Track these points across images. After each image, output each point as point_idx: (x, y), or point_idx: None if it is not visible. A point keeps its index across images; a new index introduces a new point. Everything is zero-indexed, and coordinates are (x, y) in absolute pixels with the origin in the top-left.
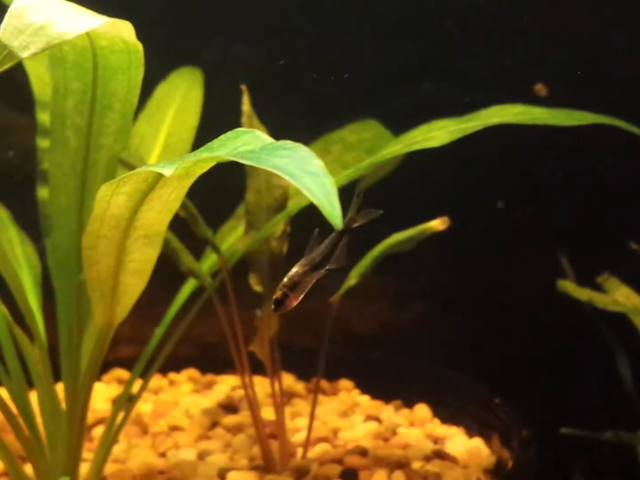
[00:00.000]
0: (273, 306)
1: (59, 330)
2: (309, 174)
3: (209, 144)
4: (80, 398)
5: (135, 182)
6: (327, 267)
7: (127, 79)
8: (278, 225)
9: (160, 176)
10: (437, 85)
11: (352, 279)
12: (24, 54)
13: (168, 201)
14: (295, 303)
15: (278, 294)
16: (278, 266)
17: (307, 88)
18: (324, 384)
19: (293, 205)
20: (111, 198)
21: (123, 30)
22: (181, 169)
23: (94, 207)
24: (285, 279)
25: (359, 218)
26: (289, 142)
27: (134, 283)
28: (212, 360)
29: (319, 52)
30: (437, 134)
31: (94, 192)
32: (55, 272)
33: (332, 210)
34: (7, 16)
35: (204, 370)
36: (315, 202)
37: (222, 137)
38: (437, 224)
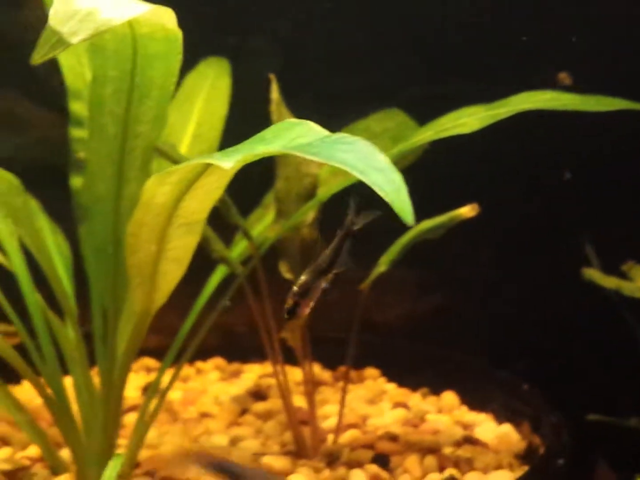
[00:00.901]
0: (286, 315)
1: (92, 316)
2: (376, 170)
3: (262, 134)
4: (116, 384)
5: (183, 172)
6: (334, 272)
7: (166, 66)
8: (309, 213)
9: (207, 166)
10: (454, 77)
11: (382, 266)
12: (73, 40)
13: (211, 190)
14: (307, 310)
15: (290, 302)
16: (309, 253)
17: (322, 81)
18: (351, 372)
19: (323, 193)
20: (158, 187)
21: (164, 18)
22: (241, 162)
23: (141, 195)
24: (295, 288)
25: (359, 220)
26: (345, 134)
27: (173, 270)
28: (237, 349)
29: (335, 45)
30: (467, 120)
31: (130, 179)
32: (91, 259)
33: (403, 207)
34: (55, 2)
35: (229, 359)
36: (386, 198)
37: (274, 127)
38: (467, 210)
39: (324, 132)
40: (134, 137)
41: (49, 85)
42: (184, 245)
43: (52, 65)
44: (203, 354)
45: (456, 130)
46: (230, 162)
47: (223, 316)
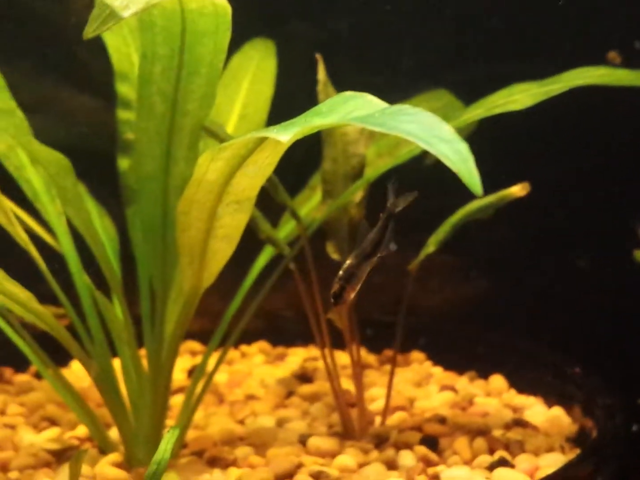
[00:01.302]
0: (332, 300)
1: (141, 298)
2: (442, 141)
3: (316, 109)
4: (164, 365)
5: (236, 147)
6: (379, 255)
7: (214, 43)
8: (357, 193)
9: (260, 142)
10: (503, 58)
11: (431, 247)
12: (124, 14)
13: (262, 166)
14: (353, 294)
15: (336, 287)
16: (358, 232)
17: (368, 64)
18: (397, 356)
19: (370, 173)
20: (210, 163)
21: None
22: (299, 134)
23: (194, 172)
24: (340, 272)
25: (400, 202)
26: (405, 106)
27: (222, 249)
28: (282, 333)
29: (382, 26)
30: (519, 97)
31: (178, 158)
32: (139, 240)
33: (471, 178)
34: None
35: (274, 343)
36: (454, 169)
37: (329, 101)
38: (518, 189)
39: (383, 104)
40: (183, 116)
41: (92, 71)
42: (234, 224)
43: (96, 51)
44: (248, 337)
45: (507, 107)
46: (287, 135)
47: (265, 300)
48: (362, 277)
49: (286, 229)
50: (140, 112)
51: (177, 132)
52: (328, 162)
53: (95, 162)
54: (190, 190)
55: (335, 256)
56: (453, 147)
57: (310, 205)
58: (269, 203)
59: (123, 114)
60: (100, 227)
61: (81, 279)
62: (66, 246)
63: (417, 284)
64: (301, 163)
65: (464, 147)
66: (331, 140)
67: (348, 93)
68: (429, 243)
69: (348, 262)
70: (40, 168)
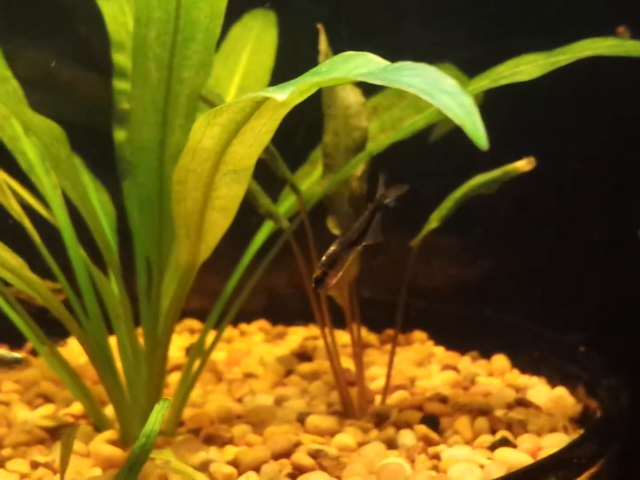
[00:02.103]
0: (313, 284)
1: (137, 274)
2: (445, 93)
3: (316, 69)
4: (160, 341)
5: (232, 112)
6: (363, 244)
7: (210, 7)
8: (359, 166)
9: (257, 106)
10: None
11: (433, 223)
12: None
13: (260, 134)
14: (334, 280)
15: (318, 272)
16: (359, 207)
17: (377, 39)
18: (398, 335)
19: (373, 147)
20: (206, 129)
21: None
22: (296, 93)
23: (189, 139)
24: (323, 258)
25: (390, 193)
26: (410, 62)
27: (219, 220)
28: (281, 312)
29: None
30: (525, 68)
31: (175, 127)
32: (135, 213)
33: (475, 130)
34: None
35: (274, 321)
36: (457, 121)
37: (329, 61)
38: (523, 164)
39: (384, 62)
40: (179, 83)
41: (90, 46)
42: (231, 194)
43: (93, 27)
44: (247, 316)
45: (514, 78)
46: (284, 93)
47: (264, 279)
48: (344, 264)
49: (286, 204)
50: (135, 80)
51: (173, 100)
52: (329, 135)
53: (92, 139)
54: (185, 158)
55: (335, 231)
56: (457, 100)
57: (311, 180)
58: (268, 181)
59: (119, 84)
60: (97, 201)
61: (77, 253)
62: (62, 219)
63: (420, 264)
64: (302, 141)
65: (468, 100)
66: (333, 113)
67: (348, 52)
68: (432, 219)
69: (332, 248)
70: (34, 138)
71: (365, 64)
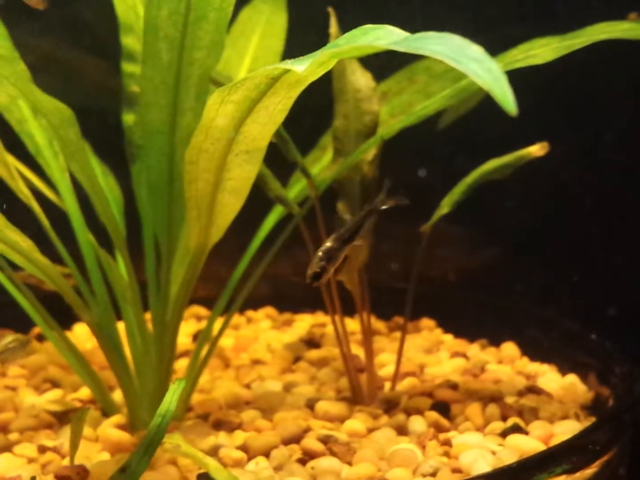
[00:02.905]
0: (312, 279)
1: (145, 259)
2: (472, 59)
3: (334, 42)
4: (169, 325)
5: (247, 88)
6: (354, 243)
7: None
8: (370, 150)
9: (272, 83)
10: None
11: (445, 208)
12: None
13: (274, 112)
14: (329, 275)
15: (318, 267)
16: (370, 192)
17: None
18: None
19: (384, 131)
20: (220, 107)
21: None
22: (315, 65)
23: (202, 118)
24: (320, 253)
25: (388, 201)
26: (432, 32)
27: (230, 202)
28: (289, 299)
29: None
30: (539, 51)
31: (185, 109)
32: (144, 198)
33: (504, 96)
34: None
35: (281, 309)
36: (485, 87)
37: (347, 34)
38: (536, 149)
39: (405, 33)
40: (190, 65)
41: (97, 33)
42: (244, 175)
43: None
44: (254, 303)
45: (528, 61)
46: (302, 65)
47: (271, 267)
48: (338, 260)
49: (297, 187)
50: (146, 61)
51: (183, 81)
52: (339, 119)
53: (96, 125)
54: (198, 137)
55: (345, 216)
56: (484, 66)
57: (321, 165)
58: (275, 168)
59: (128, 67)
60: (105, 186)
61: (85, 238)
62: (70, 203)
63: (428, 251)
64: (308, 128)
65: (495, 66)
66: (343, 97)
67: (367, 25)
68: (443, 204)
69: (328, 244)
70: (43, 120)
71: (385, 36)
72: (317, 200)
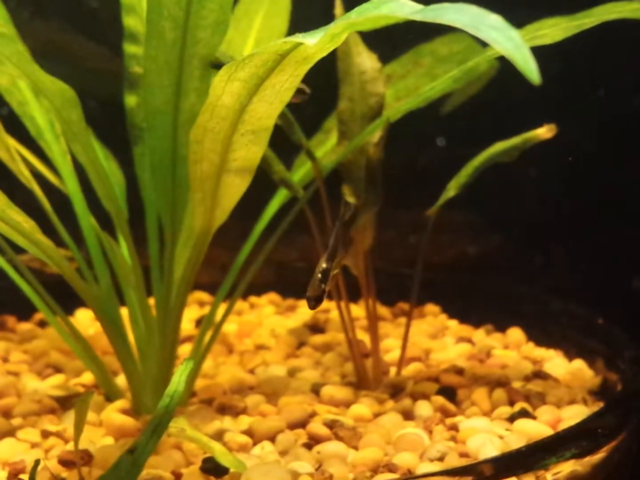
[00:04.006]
0: (313, 302)
1: (149, 241)
2: (492, 28)
3: (345, 15)
4: (173, 310)
5: (254, 65)
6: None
7: None
8: (375, 132)
9: (280, 59)
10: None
11: (451, 191)
12: None
13: (281, 91)
14: (326, 294)
15: (318, 290)
16: (376, 174)
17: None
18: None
19: (389, 114)
20: (226, 84)
21: None
22: (328, 38)
23: (208, 96)
24: (319, 275)
25: (347, 211)
26: (448, 3)
27: (235, 184)
28: (292, 285)
29: None
30: (548, 31)
31: (189, 90)
32: (147, 180)
33: (526, 64)
34: None
35: (284, 294)
36: (507, 55)
37: (358, 8)
38: (544, 131)
39: (419, 6)
40: (194, 44)
41: (99, 19)
42: (249, 156)
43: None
44: (257, 289)
45: (536, 42)
46: (314, 38)
47: (274, 252)
48: (333, 279)
49: (301, 171)
50: (149, 40)
51: (187, 62)
52: (344, 101)
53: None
54: (204, 116)
55: (350, 200)
56: (505, 34)
57: (325, 149)
58: (280, 151)
59: (130, 48)
60: (108, 169)
61: (87, 221)
62: (72, 186)
63: (431, 241)
64: (311, 112)
65: (515, 34)
66: (348, 79)
67: None
68: (450, 187)
69: (323, 265)
70: (44, 102)
71: (399, 9)
72: (322, 183)
